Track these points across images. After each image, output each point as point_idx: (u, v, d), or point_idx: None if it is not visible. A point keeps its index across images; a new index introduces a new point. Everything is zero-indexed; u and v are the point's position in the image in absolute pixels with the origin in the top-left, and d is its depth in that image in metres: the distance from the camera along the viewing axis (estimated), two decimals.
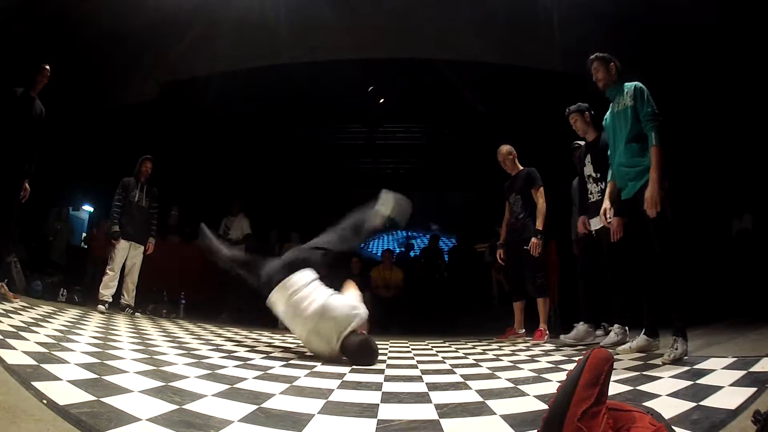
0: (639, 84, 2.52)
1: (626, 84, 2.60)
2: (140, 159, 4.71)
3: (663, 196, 2.32)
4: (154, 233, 4.79)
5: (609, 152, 2.75)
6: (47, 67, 3.74)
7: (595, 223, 3.22)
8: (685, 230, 2.59)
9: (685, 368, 1.91)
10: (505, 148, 4.19)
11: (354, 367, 2.31)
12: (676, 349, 2.12)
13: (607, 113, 2.75)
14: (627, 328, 3.03)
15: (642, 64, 4.32)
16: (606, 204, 2.74)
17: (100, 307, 4.14)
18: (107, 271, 4.41)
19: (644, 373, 1.92)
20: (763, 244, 4.13)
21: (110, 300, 4.31)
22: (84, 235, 8.22)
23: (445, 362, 2.59)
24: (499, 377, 2.04)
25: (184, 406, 1.37)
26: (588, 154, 3.36)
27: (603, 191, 3.15)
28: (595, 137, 3.33)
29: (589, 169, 3.35)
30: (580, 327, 3.35)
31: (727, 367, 1.79)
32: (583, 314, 3.38)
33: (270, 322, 4.73)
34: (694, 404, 1.39)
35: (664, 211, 2.32)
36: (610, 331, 3.12)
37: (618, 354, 2.41)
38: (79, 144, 6.14)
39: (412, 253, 9.23)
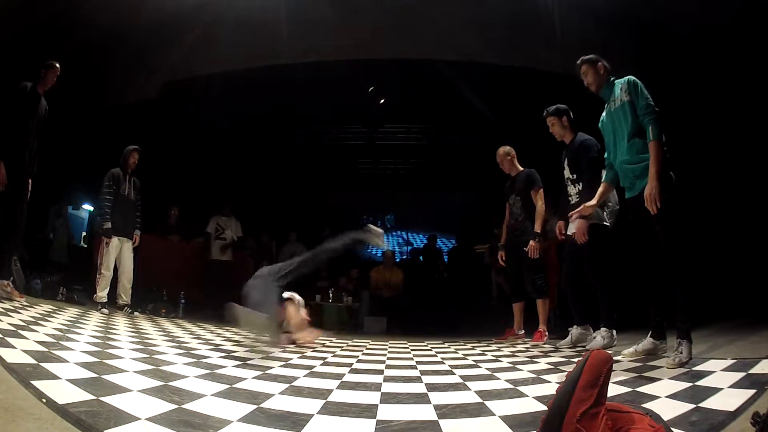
0: (632, 78, 2.46)
1: (617, 81, 2.55)
2: (128, 149, 4.56)
3: (671, 190, 2.27)
4: (139, 225, 4.68)
5: (606, 154, 2.71)
6: (57, 65, 3.69)
7: (572, 228, 3.21)
8: (689, 230, 2.53)
9: (685, 370, 1.91)
10: (503, 149, 4.19)
11: (354, 367, 2.31)
12: (681, 352, 2.08)
13: (603, 114, 2.69)
14: (614, 331, 3.01)
15: (643, 64, 4.33)
16: (592, 202, 2.74)
17: (104, 310, 4.12)
18: (102, 271, 4.32)
19: (643, 374, 1.92)
20: (763, 245, 4.12)
21: (106, 300, 4.29)
22: (84, 234, 8.21)
23: (444, 363, 2.59)
24: (499, 378, 2.04)
25: (183, 406, 1.38)
26: (565, 158, 3.38)
27: (580, 193, 3.19)
28: (572, 139, 3.36)
29: (566, 172, 3.36)
30: (574, 331, 3.34)
31: (727, 369, 1.79)
32: (576, 319, 3.36)
33: None
34: (693, 406, 1.39)
35: (672, 206, 2.25)
36: (597, 335, 3.09)
37: (623, 357, 2.40)
38: (80, 143, 6.15)
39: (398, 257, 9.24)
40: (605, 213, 3.26)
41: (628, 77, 2.49)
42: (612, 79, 2.62)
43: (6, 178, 3.48)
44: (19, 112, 3.62)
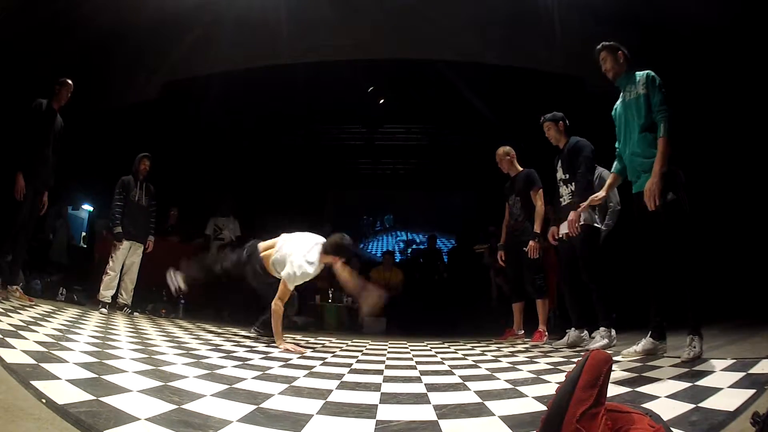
0: (651, 72, 2.45)
1: (637, 72, 2.51)
2: (138, 157, 4.70)
3: (678, 188, 2.27)
4: (153, 231, 4.82)
5: (617, 143, 2.67)
6: (70, 82, 3.84)
7: (564, 228, 3.24)
8: (697, 229, 2.52)
9: (684, 370, 1.91)
10: (502, 149, 4.20)
11: (353, 367, 2.31)
12: (694, 347, 2.09)
13: (617, 103, 2.65)
14: (613, 330, 3.02)
15: (643, 64, 4.31)
16: (601, 193, 2.74)
17: (103, 309, 4.14)
18: (108, 271, 4.40)
19: (643, 374, 1.92)
20: (764, 245, 4.12)
21: (110, 301, 4.32)
22: (83, 234, 8.21)
23: (444, 363, 2.59)
24: (498, 378, 2.04)
25: (183, 406, 1.38)
26: (559, 160, 3.42)
27: (573, 193, 3.21)
28: (565, 143, 3.40)
29: (559, 173, 3.40)
30: (572, 333, 3.34)
31: (726, 369, 1.79)
32: (573, 321, 3.35)
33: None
34: (693, 406, 1.39)
35: (680, 205, 2.26)
36: (596, 335, 3.09)
37: (623, 357, 2.40)
38: (80, 143, 6.14)
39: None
40: (597, 214, 3.27)
41: (648, 71, 2.47)
42: (632, 70, 2.58)
43: (25, 188, 3.63)
44: (36, 127, 3.76)
